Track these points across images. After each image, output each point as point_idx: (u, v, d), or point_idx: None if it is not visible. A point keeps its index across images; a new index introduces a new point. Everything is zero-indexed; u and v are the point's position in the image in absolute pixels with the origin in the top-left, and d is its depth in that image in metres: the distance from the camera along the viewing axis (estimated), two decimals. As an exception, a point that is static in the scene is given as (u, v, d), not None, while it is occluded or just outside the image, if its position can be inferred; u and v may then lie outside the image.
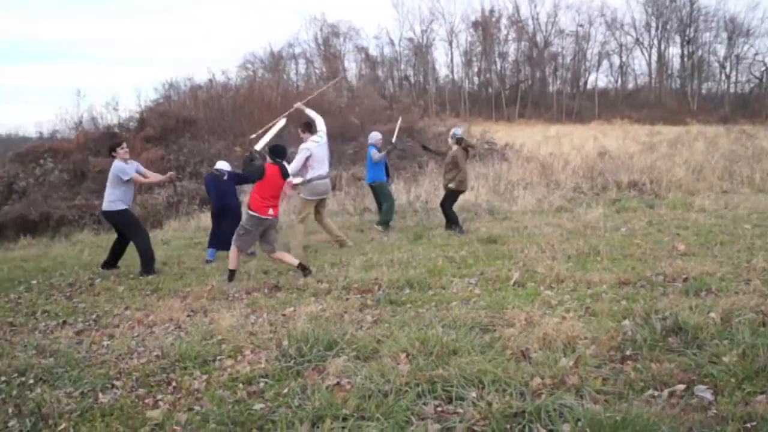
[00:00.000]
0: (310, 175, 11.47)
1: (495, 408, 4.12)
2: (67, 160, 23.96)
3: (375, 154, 13.92)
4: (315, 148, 11.57)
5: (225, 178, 11.74)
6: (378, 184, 14.24)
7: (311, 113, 11.21)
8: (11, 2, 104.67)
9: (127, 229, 10.91)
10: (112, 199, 10.61)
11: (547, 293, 7.35)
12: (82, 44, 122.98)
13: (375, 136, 14.47)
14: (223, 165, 12.61)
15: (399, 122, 16.09)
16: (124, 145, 10.92)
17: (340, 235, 12.34)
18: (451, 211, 13.28)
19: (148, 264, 10.69)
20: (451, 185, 13.06)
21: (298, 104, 11.29)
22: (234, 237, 9.86)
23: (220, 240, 11.86)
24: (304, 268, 9.58)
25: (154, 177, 11.75)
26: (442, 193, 13.60)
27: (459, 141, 13.19)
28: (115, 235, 11.52)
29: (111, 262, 11.27)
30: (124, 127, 28.54)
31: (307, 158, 11.38)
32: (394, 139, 14.84)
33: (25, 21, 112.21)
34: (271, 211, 9.57)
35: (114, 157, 10.72)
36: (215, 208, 12.42)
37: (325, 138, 11.92)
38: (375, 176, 14.17)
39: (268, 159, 9.77)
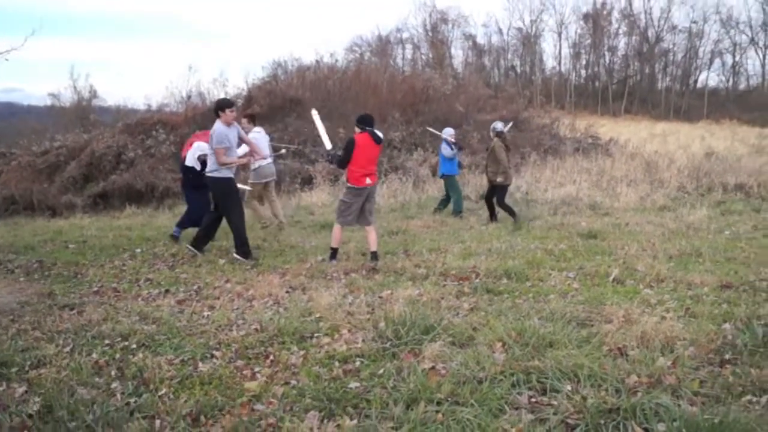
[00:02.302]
0: (258, 161, 12.27)
1: (590, 403, 4.10)
2: (175, 133, 24.38)
3: (447, 151, 14.64)
4: (260, 137, 12.63)
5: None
6: (449, 177, 14.90)
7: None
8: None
9: (225, 201, 10.14)
10: (215, 165, 9.87)
11: (647, 292, 7.23)
12: (192, 22, 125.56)
13: (448, 132, 14.78)
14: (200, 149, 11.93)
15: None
16: (234, 107, 10.25)
17: (282, 219, 13.46)
18: (506, 205, 13.39)
19: (241, 246, 10.08)
20: (499, 179, 13.20)
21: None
22: (336, 215, 9.92)
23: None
24: (375, 255, 9.76)
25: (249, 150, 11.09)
26: (542, 184, 13.53)
27: (499, 134, 13.37)
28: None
29: (201, 241, 10.62)
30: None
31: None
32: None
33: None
34: (368, 180, 9.57)
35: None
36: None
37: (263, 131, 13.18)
38: (448, 169, 14.84)
39: (357, 129, 9.69)
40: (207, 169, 10.06)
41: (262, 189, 13.20)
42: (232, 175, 10.15)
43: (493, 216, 13.56)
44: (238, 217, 10.12)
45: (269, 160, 13.07)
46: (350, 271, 9.02)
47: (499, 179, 13.15)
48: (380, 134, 9.77)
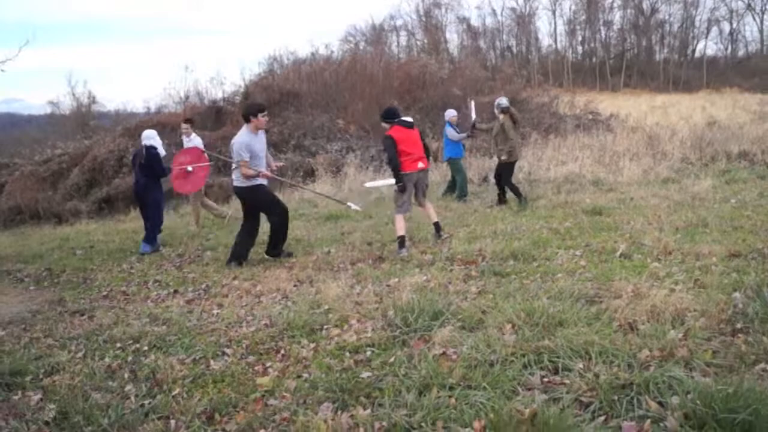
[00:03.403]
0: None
1: (602, 379, 4.08)
2: (174, 134, 24.48)
3: (453, 133, 14.55)
4: (197, 142, 13.01)
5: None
6: (454, 161, 14.81)
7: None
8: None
9: (264, 207, 9.76)
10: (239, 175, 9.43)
11: (655, 265, 7.17)
12: (187, 22, 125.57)
13: (450, 113, 14.80)
14: (153, 138, 12.06)
15: (472, 104, 15.77)
16: (266, 111, 9.76)
17: (218, 211, 14.28)
18: (512, 184, 13.23)
19: (274, 248, 9.79)
20: (503, 157, 13.02)
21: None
22: (395, 205, 10.00)
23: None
24: (438, 228, 10.20)
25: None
26: (544, 163, 13.41)
27: (505, 110, 13.07)
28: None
29: (275, 248, 9.89)
30: (230, 101, 28.95)
31: None
32: (473, 119, 14.57)
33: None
34: (420, 164, 9.69)
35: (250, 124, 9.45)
36: (134, 192, 12.10)
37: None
38: (453, 152, 14.76)
39: (385, 125, 9.80)
40: (235, 180, 9.66)
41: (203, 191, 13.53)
42: (263, 182, 9.68)
43: (502, 198, 13.31)
44: (278, 216, 9.75)
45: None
46: (357, 261, 9.04)
47: (504, 157, 12.99)
48: (409, 119, 9.90)
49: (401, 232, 9.66)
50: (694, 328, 4.88)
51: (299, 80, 30.11)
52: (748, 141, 18.73)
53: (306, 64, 33.06)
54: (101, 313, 7.45)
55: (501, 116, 13.04)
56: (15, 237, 16.71)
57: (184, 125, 13.63)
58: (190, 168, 11.71)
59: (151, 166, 11.61)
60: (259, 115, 9.40)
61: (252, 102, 9.90)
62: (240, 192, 9.74)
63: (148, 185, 11.74)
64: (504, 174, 13.21)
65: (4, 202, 22.69)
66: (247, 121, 9.40)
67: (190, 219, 14.41)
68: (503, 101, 13.40)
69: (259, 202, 9.72)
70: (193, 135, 13.33)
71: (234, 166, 9.51)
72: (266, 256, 9.83)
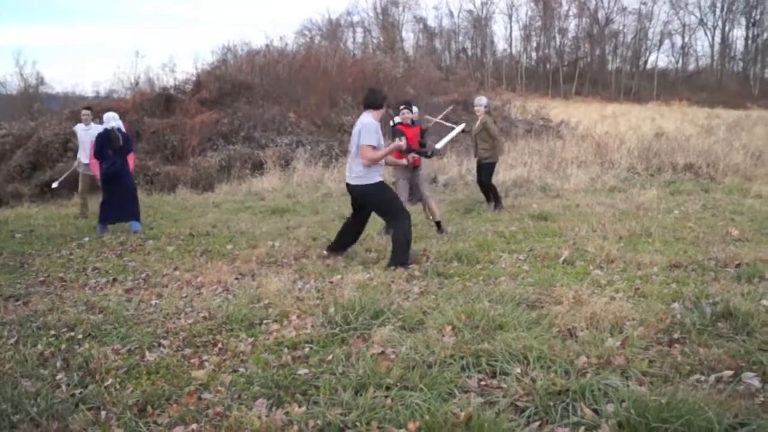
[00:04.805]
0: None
1: (539, 385, 4.09)
2: (123, 119, 24.21)
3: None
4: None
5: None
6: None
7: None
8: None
9: (384, 208, 8.53)
10: (362, 169, 8.24)
11: (597, 273, 7.27)
12: (140, 5, 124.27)
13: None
14: (114, 119, 11.94)
15: (448, 110, 15.63)
16: (411, 105, 9.54)
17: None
18: (492, 185, 13.03)
19: (400, 255, 8.21)
20: (488, 156, 12.68)
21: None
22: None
23: (112, 211, 11.69)
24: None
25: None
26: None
27: (487, 110, 12.84)
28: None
29: (339, 246, 8.94)
30: (180, 90, 28.67)
31: None
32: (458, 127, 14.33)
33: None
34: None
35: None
36: (104, 173, 11.72)
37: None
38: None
39: (374, 111, 8.65)
40: (354, 178, 8.36)
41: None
42: (381, 178, 8.45)
43: (495, 200, 12.81)
44: (402, 223, 8.36)
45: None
46: (300, 256, 8.98)
47: (489, 156, 12.65)
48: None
49: (438, 217, 10.30)
50: (632, 337, 4.92)
51: (252, 71, 29.96)
52: (695, 153, 18.95)
53: (260, 56, 32.85)
54: (37, 298, 7.26)
55: (484, 115, 12.67)
56: (-49, 218, 16.39)
57: (84, 111, 13.76)
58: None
59: (128, 149, 11.72)
60: (384, 106, 8.59)
61: (377, 89, 9.05)
62: (359, 190, 8.47)
63: (125, 166, 11.73)
64: (485, 174, 12.88)
65: (-60, 181, 22.20)
66: (375, 108, 8.42)
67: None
68: (483, 100, 13.16)
69: (380, 203, 8.51)
70: (92, 124, 13.35)
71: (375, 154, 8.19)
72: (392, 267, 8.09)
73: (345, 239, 8.94)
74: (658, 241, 9.07)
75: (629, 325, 5.25)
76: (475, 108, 13.03)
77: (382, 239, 9.68)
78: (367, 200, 8.49)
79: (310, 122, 25.39)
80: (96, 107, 16.46)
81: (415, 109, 12.66)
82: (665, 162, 18.29)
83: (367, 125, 8.13)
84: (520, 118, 29.71)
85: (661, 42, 76.40)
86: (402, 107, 10.38)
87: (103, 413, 4.21)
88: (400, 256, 8.15)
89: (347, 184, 8.55)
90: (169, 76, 32.00)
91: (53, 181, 16.09)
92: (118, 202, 11.60)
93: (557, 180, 16.43)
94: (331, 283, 7.33)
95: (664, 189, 14.58)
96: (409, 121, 10.16)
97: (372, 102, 8.41)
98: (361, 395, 4.17)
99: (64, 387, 4.67)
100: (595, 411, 3.81)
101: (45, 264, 9.31)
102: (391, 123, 10.31)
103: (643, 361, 4.51)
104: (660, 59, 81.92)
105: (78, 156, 13.67)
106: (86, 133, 13.00)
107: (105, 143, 11.54)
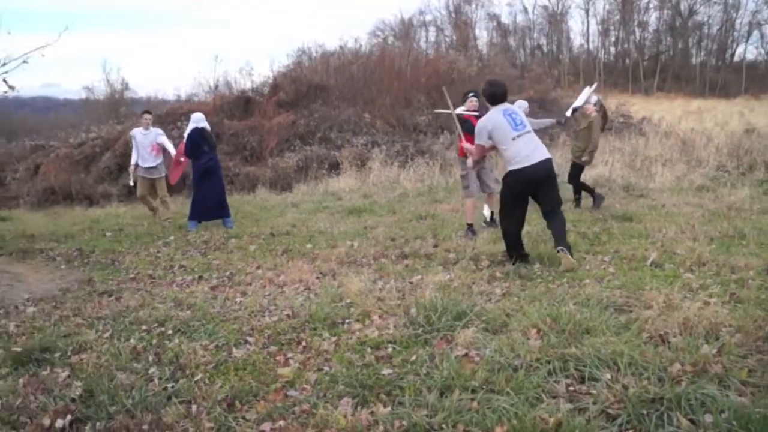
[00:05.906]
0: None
1: (631, 392, 4.00)
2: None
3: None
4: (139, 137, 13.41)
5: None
6: None
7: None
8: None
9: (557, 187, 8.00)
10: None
11: (688, 276, 6.97)
12: (218, 11, 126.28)
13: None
14: (202, 120, 12.46)
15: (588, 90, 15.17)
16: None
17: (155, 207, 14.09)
18: (580, 183, 12.62)
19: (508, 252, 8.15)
20: (584, 158, 12.17)
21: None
22: (462, 192, 10.38)
23: (206, 209, 12.07)
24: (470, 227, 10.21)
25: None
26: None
27: (597, 107, 12.19)
28: None
29: (516, 252, 8.11)
30: (258, 92, 29.05)
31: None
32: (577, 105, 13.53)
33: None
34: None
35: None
36: (202, 168, 12.13)
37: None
38: None
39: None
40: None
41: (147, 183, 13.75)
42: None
43: (594, 195, 12.47)
44: (508, 222, 8.05)
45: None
46: (379, 256, 9.01)
47: (585, 158, 12.19)
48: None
49: (469, 219, 10.18)
50: (729, 344, 4.74)
51: (327, 73, 30.19)
52: (790, 150, 18.31)
53: (334, 57, 33.09)
54: (128, 294, 7.55)
55: (595, 114, 12.06)
56: (48, 217, 16.97)
57: (146, 116, 13.90)
58: (182, 159, 12.79)
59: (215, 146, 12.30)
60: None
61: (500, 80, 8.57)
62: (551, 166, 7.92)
63: (219, 162, 12.59)
64: (577, 174, 12.49)
65: (39, 182, 23.24)
66: (500, 102, 8.17)
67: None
68: (594, 98, 12.44)
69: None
70: (151, 128, 13.63)
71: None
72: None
73: (517, 242, 8.14)
74: (753, 243, 8.61)
75: (725, 332, 5.05)
76: (587, 106, 12.12)
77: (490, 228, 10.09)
78: (553, 176, 7.89)
79: (385, 122, 25.44)
80: (179, 110, 16.80)
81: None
82: (757, 160, 17.65)
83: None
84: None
85: (749, 33, 73.48)
86: (471, 94, 10.40)
87: (194, 407, 4.31)
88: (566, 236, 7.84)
89: (540, 163, 7.67)
90: (246, 79, 32.44)
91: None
92: (212, 199, 12.04)
93: (641, 179, 16.09)
94: (411, 283, 7.32)
95: (756, 188, 13.99)
96: (475, 110, 10.10)
97: (502, 95, 8.19)
98: (446, 397, 4.17)
99: (156, 381, 4.79)
100: (692, 421, 3.71)
101: (134, 261, 9.62)
102: (457, 111, 10.16)
103: (742, 369, 4.35)
104: (748, 51, 79.77)
105: (133, 161, 13.60)
106: (145, 137, 13.25)
107: (201, 140, 11.98)
